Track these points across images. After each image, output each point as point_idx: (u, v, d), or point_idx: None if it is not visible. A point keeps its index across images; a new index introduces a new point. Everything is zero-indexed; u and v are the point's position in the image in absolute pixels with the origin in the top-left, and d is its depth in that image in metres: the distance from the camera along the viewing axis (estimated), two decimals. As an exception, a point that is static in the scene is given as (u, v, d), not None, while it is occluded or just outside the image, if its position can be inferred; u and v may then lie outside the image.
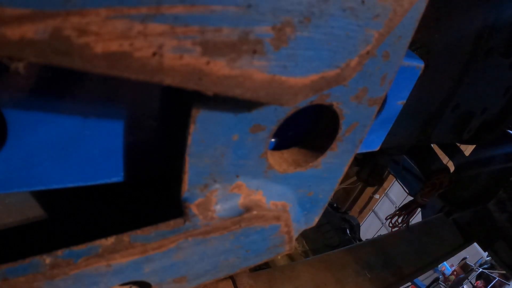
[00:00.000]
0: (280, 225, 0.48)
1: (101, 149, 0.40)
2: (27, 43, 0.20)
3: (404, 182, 1.67)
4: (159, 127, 0.42)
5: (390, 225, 1.69)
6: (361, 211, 7.94)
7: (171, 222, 0.40)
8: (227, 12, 0.25)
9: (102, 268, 0.37)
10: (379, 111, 0.59)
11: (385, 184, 7.51)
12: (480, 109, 1.08)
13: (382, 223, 7.59)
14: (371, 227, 8.07)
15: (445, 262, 6.31)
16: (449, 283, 7.26)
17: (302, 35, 0.29)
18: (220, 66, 0.27)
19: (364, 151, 0.67)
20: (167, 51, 0.25)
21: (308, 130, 0.51)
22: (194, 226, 0.41)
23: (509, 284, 6.86)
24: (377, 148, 0.68)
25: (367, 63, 0.40)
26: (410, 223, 1.66)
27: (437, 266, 4.59)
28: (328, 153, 0.48)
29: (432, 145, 1.49)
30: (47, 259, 0.35)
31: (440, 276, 7.21)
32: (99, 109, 0.37)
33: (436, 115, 0.95)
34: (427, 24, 0.71)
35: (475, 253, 7.14)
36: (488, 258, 7.00)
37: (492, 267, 7.10)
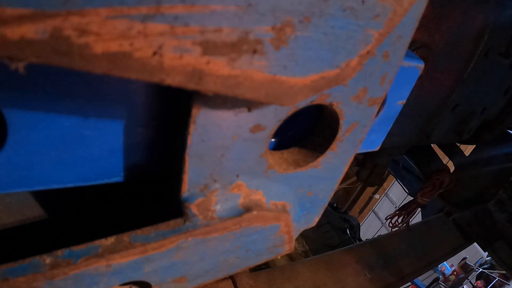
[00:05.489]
0: (280, 225, 0.48)
1: (101, 149, 0.40)
2: (27, 43, 0.20)
3: (404, 182, 1.67)
4: (159, 127, 0.42)
5: (390, 225, 1.69)
6: (361, 211, 7.93)
7: (171, 222, 0.40)
8: (227, 12, 0.25)
9: (102, 268, 0.37)
10: (379, 111, 0.59)
11: (385, 184, 7.51)
12: (480, 109, 1.08)
13: (382, 223, 7.59)
14: (371, 227, 8.07)
15: (445, 262, 6.31)
16: (449, 283, 7.25)
17: (302, 35, 0.29)
18: (220, 66, 0.27)
19: (364, 151, 0.67)
20: (167, 51, 0.25)
21: (308, 130, 0.51)
22: (194, 226, 0.41)
23: (509, 284, 6.86)
24: (377, 148, 0.68)
25: (367, 63, 0.40)
26: (410, 223, 1.66)
27: (437, 266, 4.59)
28: (328, 153, 0.48)
29: (432, 145, 1.49)
30: (47, 259, 0.35)
31: (440, 276, 7.21)
32: (99, 109, 0.37)
33: (436, 115, 0.95)
34: (427, 24, 0.71)
35: (475, 253, 7.14)
36: (488, 258, 7.01)
37: (492, 267, 7.10)
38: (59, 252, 0.36)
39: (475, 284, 7.19)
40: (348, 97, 0.43)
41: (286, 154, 0.50)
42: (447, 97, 0.92)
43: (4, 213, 0.46)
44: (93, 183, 0.42)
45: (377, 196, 7.94)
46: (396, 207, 6.65)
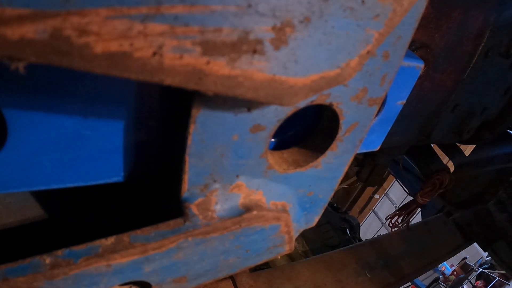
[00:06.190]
0: (280, 225, 0.48)
1: (101, 149, 0.40)
2: (27, 43, 0.20)
3: (404, 182, 1.67)
4: (159, 127, 0.42)
5: (390, 225, 1.69)
6: (361, 211, 7.93)
7: (171, 222, 0.40)
8: (227, 12, 0.25)
9: (102, 268, 0.37)
10: (379, 111, 0.59)
11: (385, 184, 7.51)
12: (480, 109, 1.08)
13: (382, 223, 7.59)
14: (371, 227, 8.07)
15: (445, 262, 6.31)
16: (449, 283, 7.26)
17: (302, 35, 0.29)
18: (220, 66, 0.27)
19: (364, 151, 0.67)
20: (167, 51, 0.25)
21: (308, 130, 0.51)
22: (194, 226, 0.41)
23: (509, 284, 6.87)
24: (377, 148, 0.68)
25: (367, 63, 0.41)
26: (410, 223, 1.66)
27: (437, 266, 4.59)
28: (328, 153, 0.48)
29: (432, 145, 1.49)
30: (47, 259, 0.35)
31: (440, 276, 7.22)
32: (99, 109, 0.37)
33: (436, 115, 0.95)
34: (427, 24, 0.71)
35: (475, 253, 7.15)
36: (488, 258, 7.01)
37: (492, 267, 7.11)
38: (59, 252, 0.36)
39: (475, 284, 7.20)
40: (348, 97, 0.43)
41: (286, 154, 0.50)
42: (447, 97, 0.92)
43: (4, 213, 0.46)
44: (93, 183, 0.42)
45: (377, 196, 7.93)
46: (396, 207, 6.65)
